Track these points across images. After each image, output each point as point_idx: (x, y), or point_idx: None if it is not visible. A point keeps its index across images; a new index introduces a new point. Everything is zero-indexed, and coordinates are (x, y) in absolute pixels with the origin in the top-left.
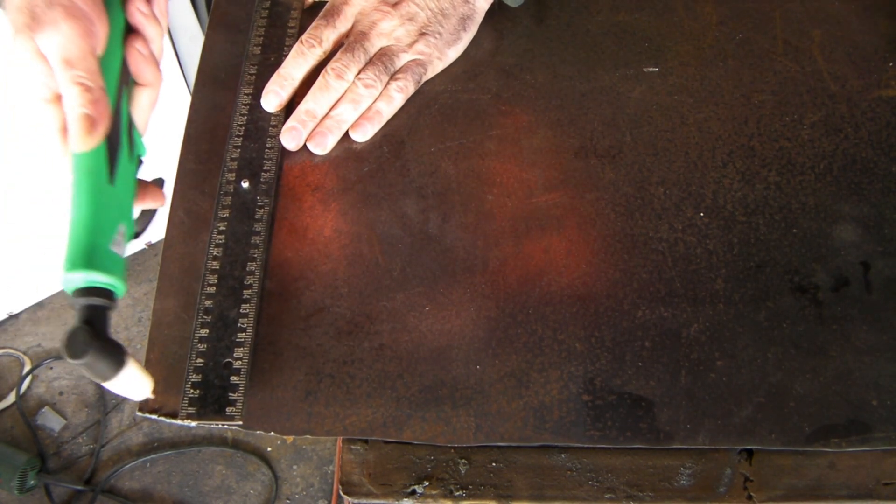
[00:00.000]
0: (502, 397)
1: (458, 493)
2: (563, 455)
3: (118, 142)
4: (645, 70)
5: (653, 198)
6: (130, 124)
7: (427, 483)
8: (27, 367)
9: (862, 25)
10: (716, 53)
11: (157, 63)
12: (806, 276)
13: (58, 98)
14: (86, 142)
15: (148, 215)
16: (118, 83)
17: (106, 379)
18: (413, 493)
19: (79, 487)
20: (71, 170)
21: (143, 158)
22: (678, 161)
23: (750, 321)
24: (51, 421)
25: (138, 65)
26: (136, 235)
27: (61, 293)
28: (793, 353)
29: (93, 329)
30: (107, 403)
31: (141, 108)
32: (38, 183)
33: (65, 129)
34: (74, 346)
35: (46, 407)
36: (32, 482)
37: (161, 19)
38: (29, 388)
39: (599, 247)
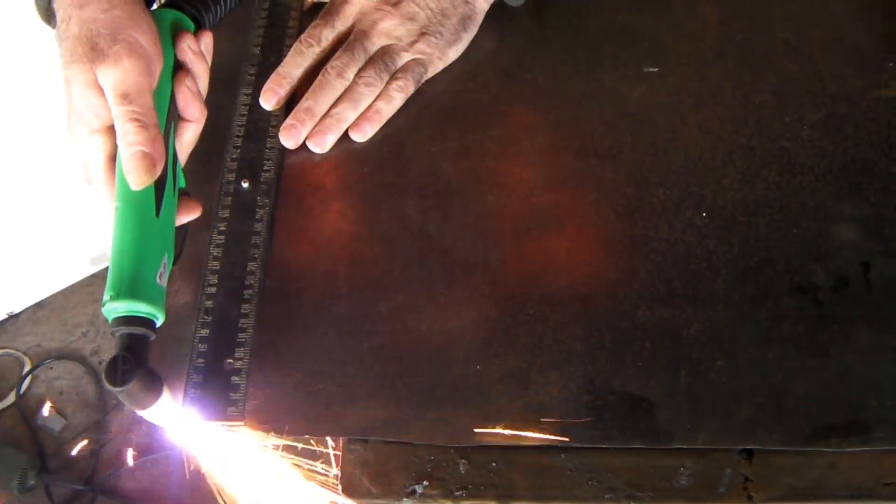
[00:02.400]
0: (502, 397)
1: (458, 493)
2: (563, 455)
3: (165, 176)
4: (645, 70)
5: (653, 198)
6: (175, 159)
7: (427, 483)
8: (27, 367)
9: (862, 25)
10: (716, 53)
11: (202, 100)
12: (806, 276)
13: (108, 129)
14: (144, 180)
15: (181, 236)
16: (167, 118)
17: (143, 408)
18: (413, 493)
19: (79, 487)
20: (116, 200)
21: (183, 190)
22: (678, 161)
23: (750, 321)
24: (51, 421)
25: (187, 101)
26: (176, 261)
27: (61, 293)
28: (793, 353)
29: (134, 358)
30: (107, 403)
31: (185, 142)
32: (39, 183)
33: (112, 160)
34: (116, 374)
35: (46, 407)
36: (32, 482)
37: (207, 56)
38: (29, 388)
39: (599, 247)
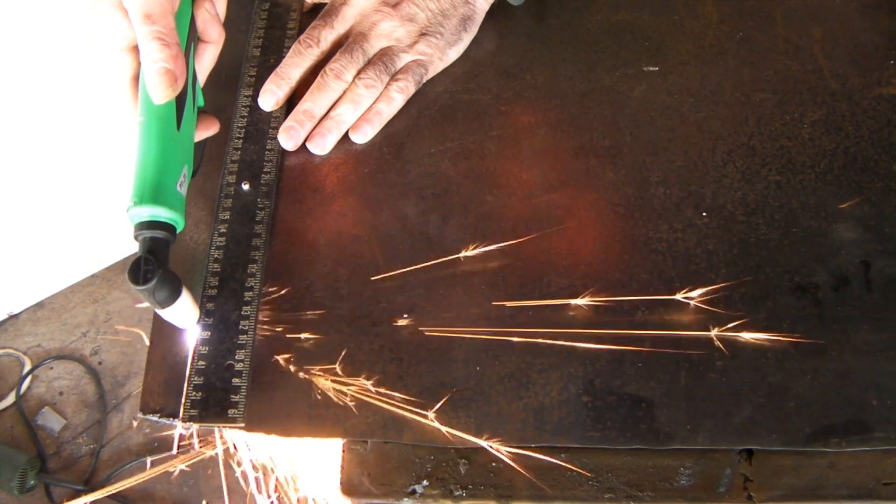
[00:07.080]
0: (502, 398)
1: (458, 493)
2: (563, 455)
3: (185, 93)
4: (645, 69)
5: (653, 198)
6: (194, 78)
7: (427, 483)
8: (27, 367)
9: (863, 23)
10: (716, 52)
11: (220, 22)
12: (806, 276)
13: (132, 49)
14: (166, 94)
15: (200, 150)
16: (187, 40)
17: (163, 306)
18: (413, 493)
19: (79, 487)
20: (140, 115)
21: (201, 108)
22: (678, 161)
23: (750, 321)
24: (51, 421)
25: (206, 23)
26: (195, 173)
27: (61, 293)
28: (793, 353)
29: (156, 259)
30: (107, 403)
31: (204, 63)
32: (40, 184)
33: (136, 79)
34: (139, 273)
35: (46, 407)
36: (32, 482)
37: None
38: (29, 388)
39: (599, 247)
